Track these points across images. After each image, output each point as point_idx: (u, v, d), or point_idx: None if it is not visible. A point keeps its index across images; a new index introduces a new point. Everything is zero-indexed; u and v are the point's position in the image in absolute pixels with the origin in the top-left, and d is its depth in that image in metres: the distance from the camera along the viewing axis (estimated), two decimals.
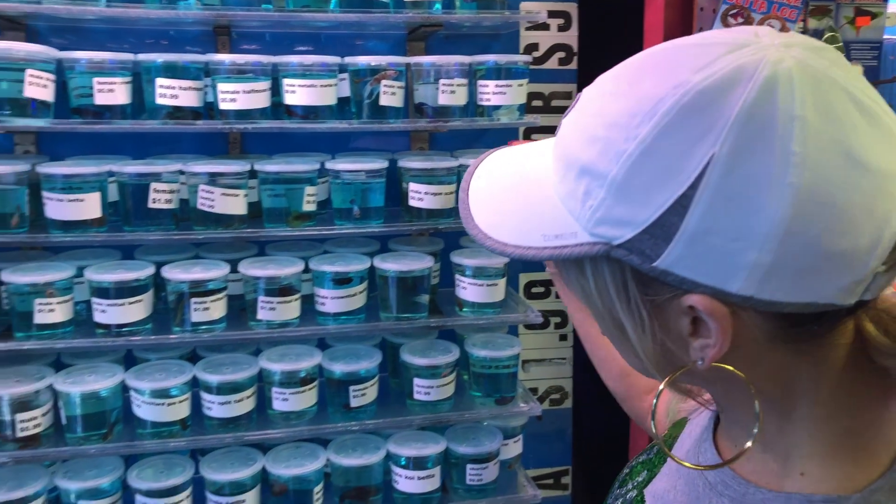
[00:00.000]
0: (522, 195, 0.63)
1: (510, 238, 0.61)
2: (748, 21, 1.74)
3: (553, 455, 2.27)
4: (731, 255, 0.51)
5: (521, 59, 1.74)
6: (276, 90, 1.64)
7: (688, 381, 0.59)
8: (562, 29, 2.11)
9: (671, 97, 0.51)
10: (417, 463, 1.73)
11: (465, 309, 1.76)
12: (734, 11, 1.73)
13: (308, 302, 1.71)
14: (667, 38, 1.84)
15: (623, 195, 0.53)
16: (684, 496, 0.67)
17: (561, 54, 2.13)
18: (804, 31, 1.86)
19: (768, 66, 0.50)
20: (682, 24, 1.82)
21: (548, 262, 0.78)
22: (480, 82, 1.72)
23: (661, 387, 0.60)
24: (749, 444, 0.59)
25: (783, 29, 1.75)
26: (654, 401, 0.61)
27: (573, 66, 2.13)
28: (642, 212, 0.53)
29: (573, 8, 2.11)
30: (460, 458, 1.78)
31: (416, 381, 1.73)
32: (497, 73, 1.71)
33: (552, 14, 2.06)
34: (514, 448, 1.91)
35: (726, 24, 1.76)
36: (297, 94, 1.61)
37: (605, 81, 0.59)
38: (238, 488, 1.65)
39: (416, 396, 1.75)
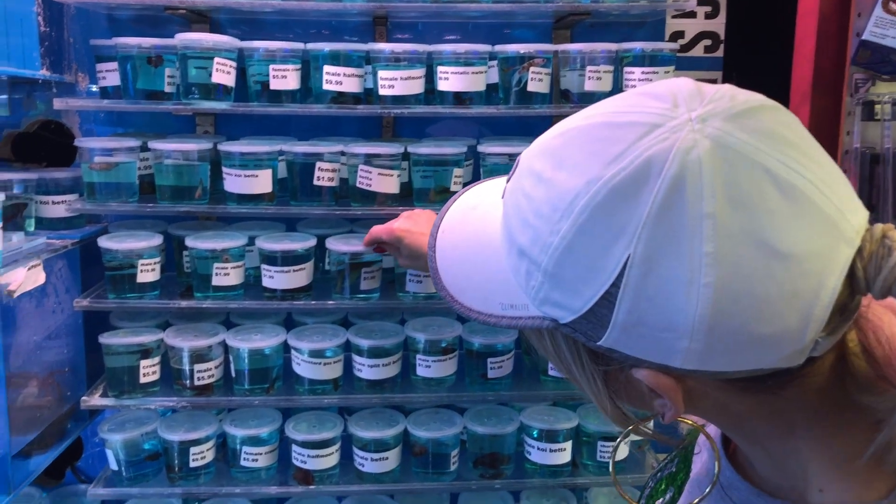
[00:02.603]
0: (482, 261, 0.64)
1: (474, 304, 0.64)
2: None
3: None
4: (664, 342, 0.52)
5: (667, 46, 1.75)
6: (427, 77, 1.75)
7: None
8: (709, 16, 2.10)
9: (585, 194, 0.52)
10: (549, 436, 1.80)
11: None
12: None
13: None
14: (821, 28, 1.80)
15: (556, 284, 0.55)
16: None
17: (707, 42, 2.12)
18: None
19: (677, 158, 0.49)
20: (838, 11, 1.77)
21: None
22: (626, 69, 1.76)
23: (619, 440, 0.65)
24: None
25: None
26: (616, 444, 0.62)
27: (719, 53, 2.12)
28: (576, 301, 0.54)
29: None
30: (592, 435, 1.84)
31: None
32: (643, 60, 1.74)
33: (701, 1, 2.05)
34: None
35: (888, 10, 1.71)
36: (450, 80, 1.70)
37: (536, 155, 0.59)
38: (382, 446, 1.78)
39: (550, 373, 1.81)
